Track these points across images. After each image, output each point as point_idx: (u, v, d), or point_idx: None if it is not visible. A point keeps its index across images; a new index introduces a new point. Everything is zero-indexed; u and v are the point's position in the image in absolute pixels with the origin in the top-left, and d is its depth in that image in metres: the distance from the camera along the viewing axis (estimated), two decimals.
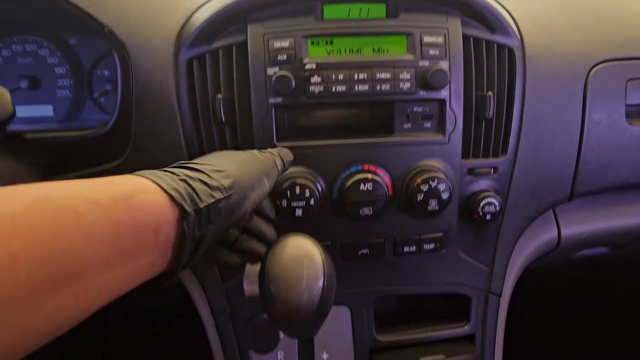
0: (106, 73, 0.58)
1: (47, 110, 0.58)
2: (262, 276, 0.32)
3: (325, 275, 0.31)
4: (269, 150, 0.40)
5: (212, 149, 0.45)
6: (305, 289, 0.30)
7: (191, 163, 0.30)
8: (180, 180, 0.26)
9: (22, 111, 0.57)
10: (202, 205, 0.26)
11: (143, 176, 0.25)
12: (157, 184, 0.24)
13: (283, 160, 0.39)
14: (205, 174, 0.28)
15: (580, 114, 0.50)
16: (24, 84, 0.56)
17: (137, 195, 0.23)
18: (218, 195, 0.27)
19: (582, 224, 0.58)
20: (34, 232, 0.18)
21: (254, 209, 0.33)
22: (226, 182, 0.29)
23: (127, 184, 0.23)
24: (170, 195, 0.24)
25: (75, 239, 0.19)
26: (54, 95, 0.58)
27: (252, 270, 0.34)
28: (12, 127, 0.47)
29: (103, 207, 0.21)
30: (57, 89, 0.58)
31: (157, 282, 0.26)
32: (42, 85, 0.57)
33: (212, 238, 0.28)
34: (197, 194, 0.26)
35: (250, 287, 0.33)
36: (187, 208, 0.25)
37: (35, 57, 0.57)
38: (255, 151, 0.38)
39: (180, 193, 0.25)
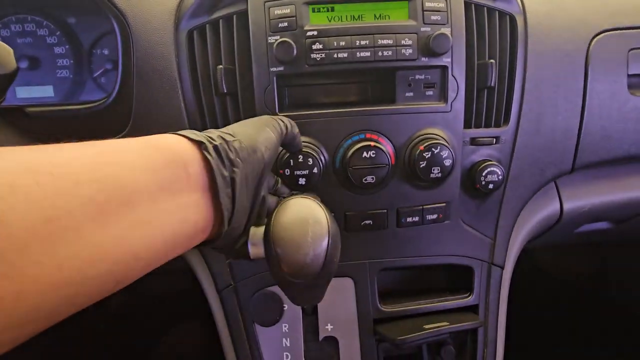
0: (106, 52, 0.58)
1: (47, 91, 0.58)
2: (267, 236, 0.32)
3: (330, 233, 0.31)
4: None
5: (213, 120, 0.45)
6: (310, 248, 0.30)
7: None
8: (197, 132, 0.29)
9: (23, 92, 0.57)
10: (217, 142, 0.28)
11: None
12: (176, 134, 0.28)
13: (285, 122, 0.39)
14: (215, 133, 0.31)
15: (582, 83, 0.49)
16: (23, 64, 0.55)
17: (162, 139, 0.26)
18: (228, 137, 0.30)
19: (584, 197, 0.58)
20: (88, 162, 0.20)
21: (271, 157, 0.34)
22: (230, 131, 0.32)
23: (152, 136, 0.27)
24: (189, 138, 0.27)
25: (122, 169, 0.21)
26: (54, 75, 0.57)
27: (257, 232, 0.34)
28: (14, 104, 0.47)
29: (137, 148, 0.24)
30: (57, 69, 0.57)
31: (213, 240, 0.29)
32: (42, 65, 0.57)
33: (245, 182, 0.30)
34: (210, 137, 0.29)
35: (255, 249, 0.33)
36: (205, 142, 0.27)
37: (34, 36, 0.56)
38: None
39: (196, 134, 0.28)
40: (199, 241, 0.28)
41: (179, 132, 0.28)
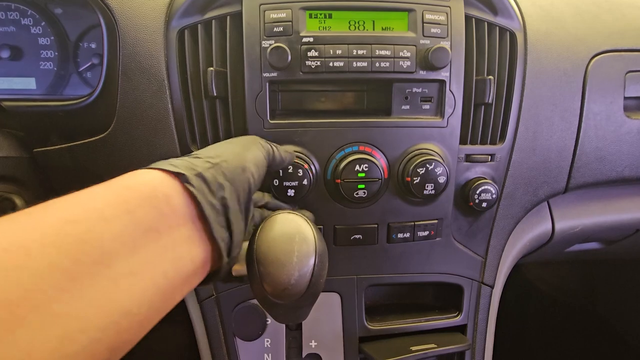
0: (93, 46, 0.55)
1: (29, 83, 0.55)
2: (250, 253, 0.30)
3: (317, 253, 0.30)
4: None
5: (202, 124, 0.43)
6: (295, 267, 0.29)
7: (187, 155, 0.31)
8: (176, 160, 0.27)
9: (3, 83, 0.54)
10: (199, 170, 0.26)
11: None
12: (151, 168, 0.25)
13: (272, 146, 0.37)
14: (198, 157, 0.29)
15: (579, 103, 0.49)
16: (5, 53, 0.53)
17: (135, 177, 0.24)
18: (215, 160, 0.28)
19: (577, 217, 0.57)
20: (46, 224, 0.18)
21: (260, 177, 0.32)
22: (215, 152, 0.30)
23: (124, 175, 0.24)
24: (166, 170, 0.25)
25: (90, 223, 0.19)
26: (37, 67, 0.55)
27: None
28: None
29: (105, 193, 0.21)
30: (41, 60, 0.55)
31: (217, 274, 0.27)
32: (25, 56, 0.54)
33: (237, 204, 0.27)
34: (193, 164, 0.26)
35: (237, 266, 0.32)
36: (185, 173, 0.25)
37: (17, 26, 0.54)
38: None
39: (175, 166, 0.25)
40: (200, 278, 0.26)
41: (154, 165, 0.25)
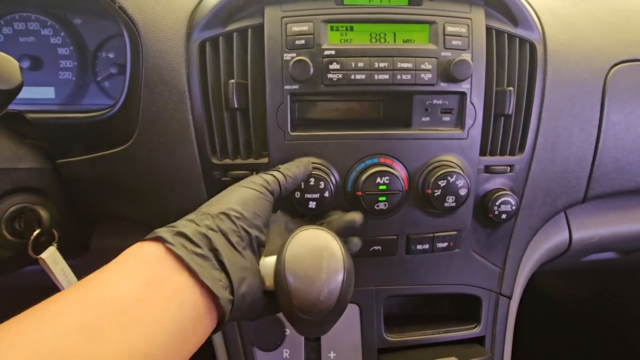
0: (111, 56, 0.56)
1: (48, 93, 0.56)
2: (279, 268, 0.30)
3: (345, 269, 0.30)
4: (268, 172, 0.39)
5: (222, 135, 0.43)
6: (324, 283, 0.29)
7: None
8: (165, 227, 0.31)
9: (23, 92, 0.54)
10: (179, 229, 0.30)
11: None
12: (142, 240, 0.29)
13: (276, 175, 0.38)
14: (188, 217, 0.32)
15: (599, 114, 0.49)
16: (25, 64, 0.53)
17: (133, 249, 0.28)
18: (199, 215, 0.32)
19: (594, 227, 0.57)
20: (71, 297, 0.24)
21: (256, 211, 0.33)
22: (205, 207, 0.33)
23: (126, 250, 0.28)
24: (146, 239, 0.29)
25: (105, 286, 0.25)
26: (56, 77, 0.55)
27: (267, 262, 0.32)
28: (12, 107, 0.45)
29: (115, 267, 0.27)
30: (60, 70, 0.55)
31: (238, 310, 0.30)
32: (44, 66, 0.55)
33: (237, 245, 0.31)
34: (175, 225, 0.30)
35: (267, 281, 0.32)
36: (163, 235, 0.28)
37: (37, 36, 0.55)
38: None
39: (156, 232, 0.29)
40: (212, 320, 0.28)
41: (146, 238, 0.29)
